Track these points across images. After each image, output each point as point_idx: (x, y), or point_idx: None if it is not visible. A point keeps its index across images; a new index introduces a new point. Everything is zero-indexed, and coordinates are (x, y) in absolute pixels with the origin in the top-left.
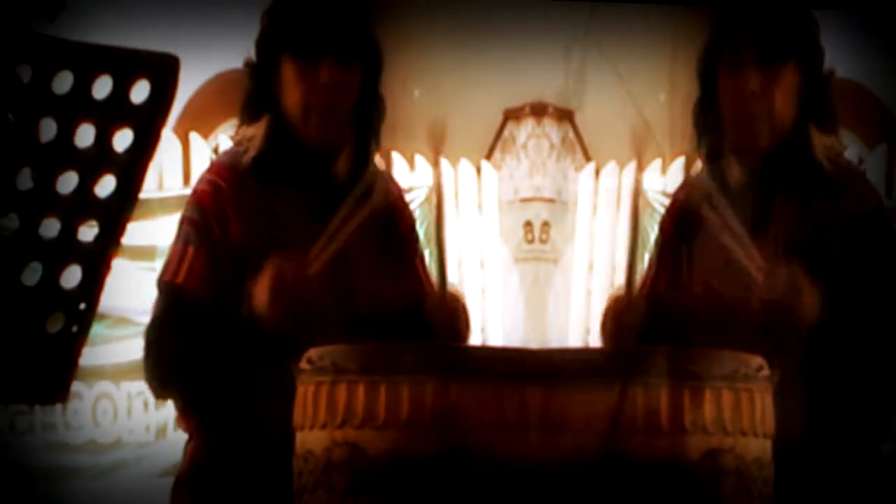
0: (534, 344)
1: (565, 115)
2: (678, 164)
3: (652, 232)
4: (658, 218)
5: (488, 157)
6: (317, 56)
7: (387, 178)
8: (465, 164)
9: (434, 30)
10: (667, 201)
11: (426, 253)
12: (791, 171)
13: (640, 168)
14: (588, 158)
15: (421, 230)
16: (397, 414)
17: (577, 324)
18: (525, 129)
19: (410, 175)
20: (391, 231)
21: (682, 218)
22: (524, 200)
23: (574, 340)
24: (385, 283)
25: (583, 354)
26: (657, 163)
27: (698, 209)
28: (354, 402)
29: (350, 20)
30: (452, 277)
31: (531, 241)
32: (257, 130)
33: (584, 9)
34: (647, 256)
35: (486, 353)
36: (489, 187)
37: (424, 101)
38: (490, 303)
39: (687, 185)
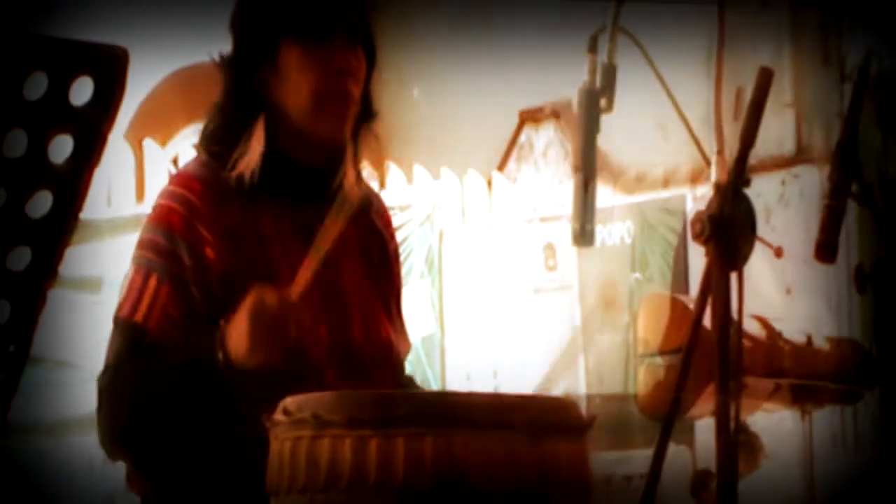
0: (556, 391)
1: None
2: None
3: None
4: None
5: (501, 167)
6: (327, 35)
7: (377, 195)
8: (474, 176)
9: (437, 17)
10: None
11: (429, 282)
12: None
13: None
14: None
15: (421, 255)
16: (391, 474)
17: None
18: (545, 135)
19: (408, 189)
20: (382, 258)
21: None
22: (544, 219)
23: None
24: (380, 321)
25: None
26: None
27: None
28: (340, 461)
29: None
30: (458, 312)
31: (553, 269)
32: (249, 135)
33: None
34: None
35: (499, 401)
36: (502, 203)
37: (425, 100)
38: (504, 342)
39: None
